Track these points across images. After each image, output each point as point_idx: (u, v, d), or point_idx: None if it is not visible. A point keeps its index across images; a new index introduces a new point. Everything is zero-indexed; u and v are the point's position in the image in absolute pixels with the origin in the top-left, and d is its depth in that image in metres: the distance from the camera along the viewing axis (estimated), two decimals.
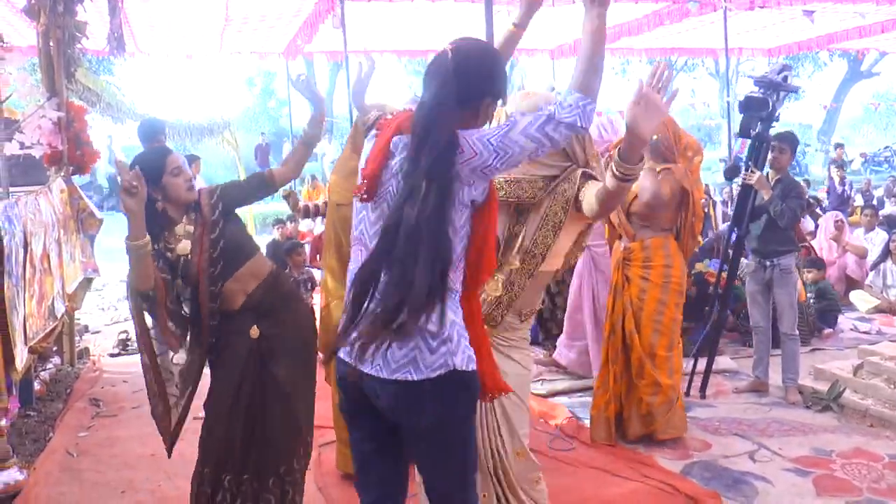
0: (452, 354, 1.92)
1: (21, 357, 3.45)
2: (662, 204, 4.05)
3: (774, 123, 4.73)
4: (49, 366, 5.49)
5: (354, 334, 1.90)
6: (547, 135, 1.88)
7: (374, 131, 2.06)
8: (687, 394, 4.77)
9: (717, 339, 5.06)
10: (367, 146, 2.04)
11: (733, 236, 4.96)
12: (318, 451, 4.01)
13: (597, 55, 1.95)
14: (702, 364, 4.92)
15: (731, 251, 5.03)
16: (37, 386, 4.97)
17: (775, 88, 4.60)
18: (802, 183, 5.50)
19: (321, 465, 3.86)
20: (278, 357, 2.81)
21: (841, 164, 12.83)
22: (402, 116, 2.01)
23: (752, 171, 4.72)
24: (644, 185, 4.01)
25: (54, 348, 5.64)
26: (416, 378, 1.91)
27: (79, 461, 4.05)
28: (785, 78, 4.64)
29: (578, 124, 1.89)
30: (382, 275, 1.88)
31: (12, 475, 3.62)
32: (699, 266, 6.37)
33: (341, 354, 2.03)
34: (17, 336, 3.37)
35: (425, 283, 1.82)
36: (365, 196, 1.96)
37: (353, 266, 2.00)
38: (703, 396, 4.88)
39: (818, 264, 7.15)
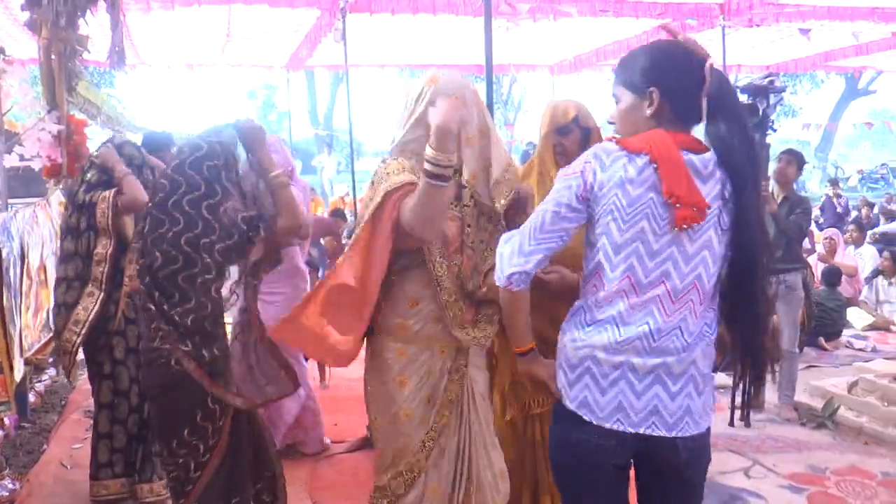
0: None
1: (18, 368, 3.45)
2: None
3: (770, 132, 4.67)
4: (45, 377, 5.49)
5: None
6: None
7: (622, 149, 1.74)
8: (731, 424, 4.70)
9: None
10: (616, 168, 1.73)
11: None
12: (314, 465, 4.01)
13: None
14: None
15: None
16: (32, 398, 4.97)
17: (762, 92, 4.61)
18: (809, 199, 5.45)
19: (316, 479, 3.85)
20: None
21: (836, 182, 12.89)
22: (658, 134, 1.74)
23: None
24: None
25: (50, 360, 5.63)
26: (705, 426, 1.86)
27: (73, 473, 4.03)
28: (771, 82, 4.64)
29: None
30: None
31: (5, 486, 3.63)
32: None
33: (634, 428, 1.77)
34: (14, 348, 3.38)
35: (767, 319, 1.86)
36: (690, 226, 1.71)
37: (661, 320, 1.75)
38: (747, 424, 4.69)
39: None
